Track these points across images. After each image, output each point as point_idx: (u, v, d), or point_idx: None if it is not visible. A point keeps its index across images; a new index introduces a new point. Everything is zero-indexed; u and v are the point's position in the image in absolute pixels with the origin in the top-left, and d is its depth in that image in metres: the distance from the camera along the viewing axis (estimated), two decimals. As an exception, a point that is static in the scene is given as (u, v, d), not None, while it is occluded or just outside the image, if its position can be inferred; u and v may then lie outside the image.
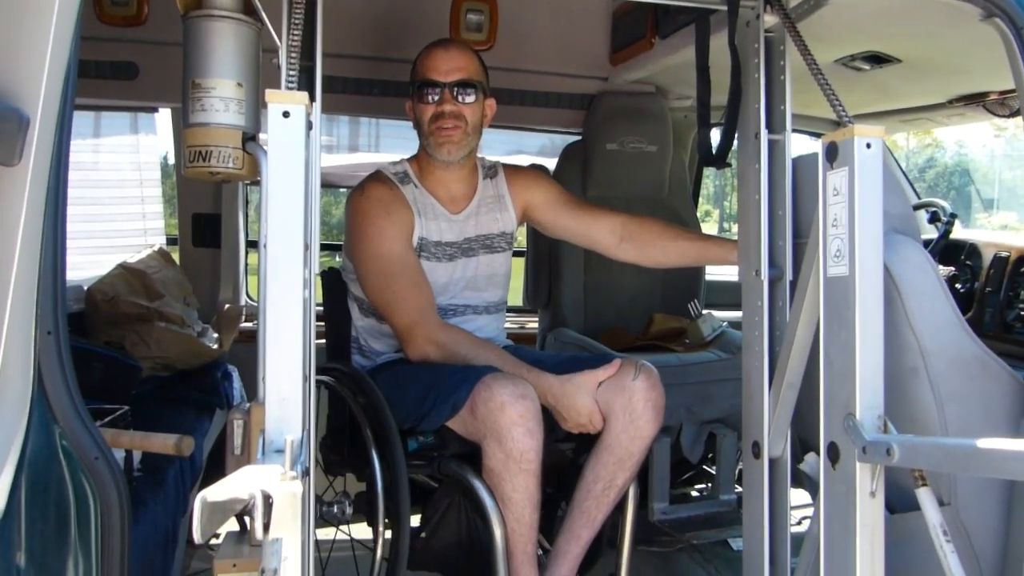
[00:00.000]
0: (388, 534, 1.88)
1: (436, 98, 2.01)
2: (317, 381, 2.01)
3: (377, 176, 2.11)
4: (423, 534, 1.91)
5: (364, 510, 1.95)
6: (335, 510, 1.89)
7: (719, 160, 1.79)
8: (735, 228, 1.76)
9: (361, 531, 1.99)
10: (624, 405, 1.91)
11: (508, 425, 1.73)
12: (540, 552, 1.96)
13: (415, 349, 1.95)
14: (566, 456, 2.09)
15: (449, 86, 2.01)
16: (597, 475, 1.95)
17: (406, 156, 2.18)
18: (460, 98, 2.02)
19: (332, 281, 2.23)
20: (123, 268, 2.74)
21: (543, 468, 1.82)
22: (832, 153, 1.44)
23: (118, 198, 3.26)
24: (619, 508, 1.99)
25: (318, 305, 2.88)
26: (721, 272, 3.71)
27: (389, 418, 1.82)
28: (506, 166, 2.26)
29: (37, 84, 1.02)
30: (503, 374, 1.82)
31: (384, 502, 1.81)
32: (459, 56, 2.04)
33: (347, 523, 1.95)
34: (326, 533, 2.00)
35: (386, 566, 1.80)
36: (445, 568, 1.97)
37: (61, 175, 1.11)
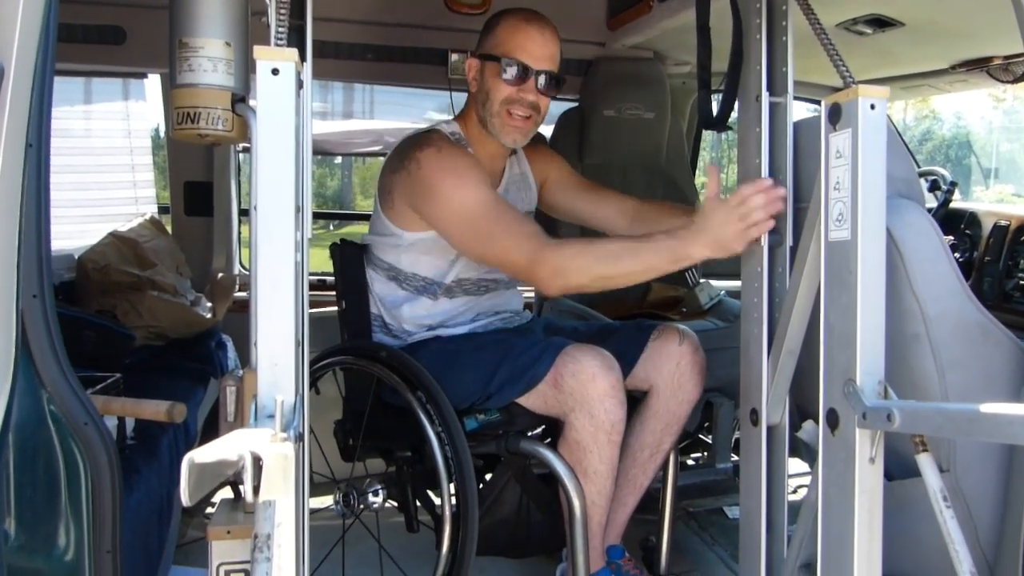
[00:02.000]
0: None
1: (521, 82, 1.89)
2: (339, 364, 2.00)
3: (439, 134, 1.95)
4: None
5: (394, 493, 1.94)
6: (370, 497, 1.88)
7: (719, 123, 1.75)
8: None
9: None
10: (672, 371, 1.94)
11: (600, 396, 1.71)
12: None
13: (548, 285, 1.75)
14: None
15: (536, 74, 1.89)
16: (644, 442, 1.96)
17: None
18: (543, 88, 1.91)
19: (347, 255, 2.10)
20: (114, 237, 2.71)
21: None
22: (835, 115, 1.41)
23: (108, 166, 3.22)
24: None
25: (315, 274, 2.87)
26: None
27: (445, 398, 1.76)
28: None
29: (9, 35, 0.99)
30: (585, 345, 1.78)
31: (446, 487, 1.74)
32: (553, 43, 1.92)
33: (377, 510, 1.94)
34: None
35: (450, 557, 1.76)
36: (486, 548, 1.91)
37: (43, 135, 1.08)
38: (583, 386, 1.71)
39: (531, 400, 1.80)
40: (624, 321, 2.38)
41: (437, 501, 1.78)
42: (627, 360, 1.93)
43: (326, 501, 1.97)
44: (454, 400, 1.78)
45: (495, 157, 2.05)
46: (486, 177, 1.88)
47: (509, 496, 1.86)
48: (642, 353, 1.96)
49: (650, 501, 2.07)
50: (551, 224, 3.06)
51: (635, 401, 1.98)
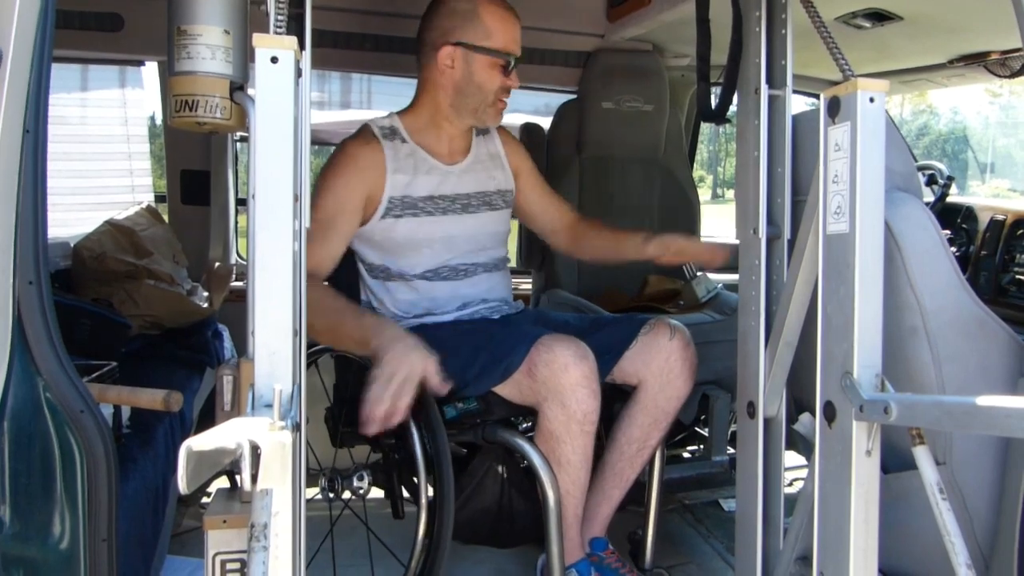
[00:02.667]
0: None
1: (511, 71, 1.97)
2: (323, 352, 2.00)
3: (362, 131, 2.03)
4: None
5: (381, 480, 1.94)
6: (355, 483, 1.88)
7: (718, 116, 1.75)
8: (729, 193, 1.74)
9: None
10: (661, 365, 1.94)
11: (573, 386, 1.71)
12: None
13: None
14: None
15: (518, 60, 1.98)
16: (631, 436, 1.96)
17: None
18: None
19: None
20: (111, 225, 2.70)
21: None
22: (834, 108, 1.41)
23: (105, 154, 3.20)
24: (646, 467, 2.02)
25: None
26: (718, 234, 3.69)
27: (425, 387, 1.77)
28: (497, 128, 2.22)
29: (7, 22, 0.98)
30: (560, 335, 1.79)
31: (425, 475, 1.76)
32: (520, 28, 2.00)
33: (364, 496, 1.94)
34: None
35: (427, 543, 1.76)
36: (471, 538, 1.95)
37: (40, 121, 1.08)
38: (555, 376, 1.72)
39: (507, 389, 1.82)
40: (616, 314, 2.38)
41: None
42: (616, 353, 1.95)
43: (312, 491, 1.98)
44: None
45: (458, 136, 2.08)
46: (350, 192, 1.92)
47: (490, 485, 1.87)
48: (631, 346, 1.96)
49: (642, 492, 2.08)
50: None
51: (625, 395, 1.98)
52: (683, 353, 1.95)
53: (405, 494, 1.95)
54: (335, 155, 1.99)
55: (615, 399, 1.99)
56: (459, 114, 2.00)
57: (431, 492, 1.75)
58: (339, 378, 2.09)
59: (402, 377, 1.62)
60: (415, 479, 1.90)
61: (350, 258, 2.06)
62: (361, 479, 1.89)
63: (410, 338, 1.70)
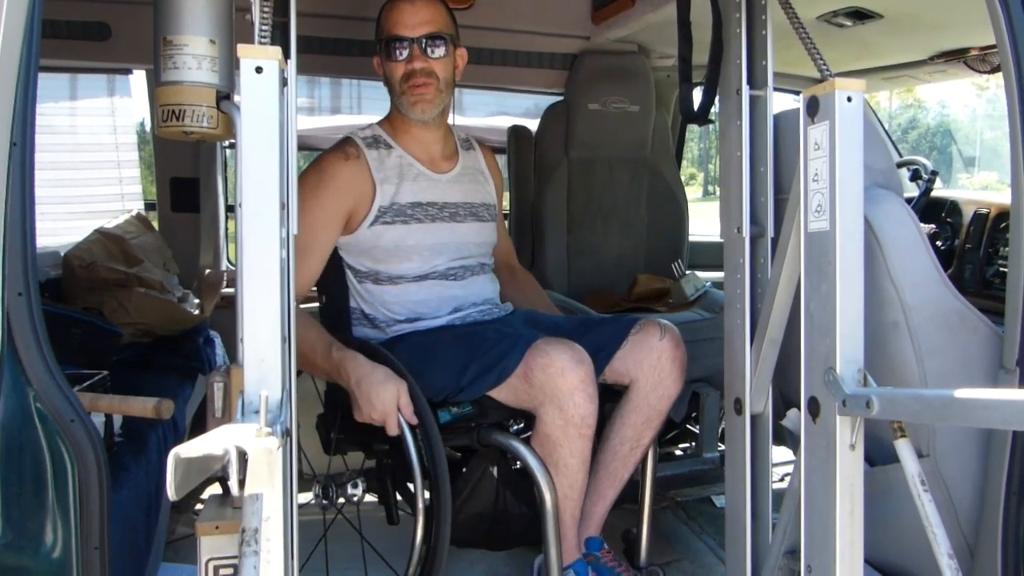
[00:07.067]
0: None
1: (405, 55, 1.93)
2: None
3: (342, 144, 2.01)
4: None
5: (375, 486, 1.93)
6: (349, 490, 1.87)
7: (701, 117, 1.77)
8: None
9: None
10: (653, 365, 1.94)
11: (569, 390, 1.71)
12: None
13: None
14: None
15: (417, 41, 1.93)
16: (624, 436, 1.97)
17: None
18: (430, 53, 1.94)
19: None
20: (100, 233, 2.70)
21: None
22: (813, 107, 1.43)
23: (94, 162, 3.21)
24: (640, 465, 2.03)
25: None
26: (704, 232, 3.72)
27: (418, 391, 1.76)
28: (480, 145, 2.25)
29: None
30: (556, 339, 1.79)
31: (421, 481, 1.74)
32: (425, 8, 1.95)
33: (358, 503, 1.91)
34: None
35: (425, 549, 1.75)
36: (466, 541, 1.94)
37: (27, 133, 1.09)
38: (552, 380, 1.72)
39: (502, 393, 1.81)
40: (606, 315, 2.40)
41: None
42: (607, 353, 1.95)
43: (306, 497, 1.98)
44: (428, 393, 1.78)
45: (432, 142, 2.07)
46: (329, 210, 1.92)
47: (486, 489, 1.86)
48: (622, 347, 1.96)
49: (635, 491, 2.09)
50: (537, 216, 3.10)
51: (616, 395, 1.99)
52: (673, 352, 1.95)
53: (399, 499, 1.95)
54: (313, 170, 1.96)
55: (607, 399, 2.00)
56: (401, 114, 2.02)
57: (427, 498, 1.74)
58: (331, 384, 2.09)
59: (379, 416, 1.72)
60: (410, 484, 1.91)
61: (338, 266, 2.05)
62: (356, 486, 1.89)
63: (379, 371, 1.75)
